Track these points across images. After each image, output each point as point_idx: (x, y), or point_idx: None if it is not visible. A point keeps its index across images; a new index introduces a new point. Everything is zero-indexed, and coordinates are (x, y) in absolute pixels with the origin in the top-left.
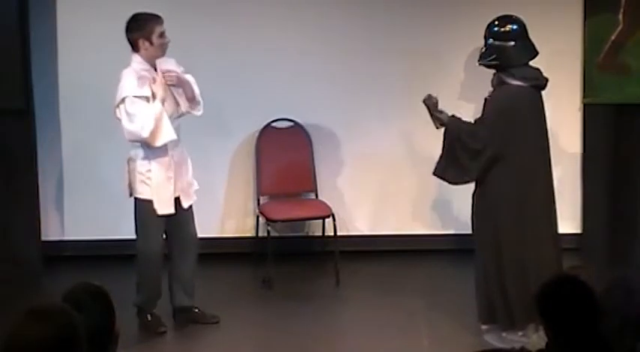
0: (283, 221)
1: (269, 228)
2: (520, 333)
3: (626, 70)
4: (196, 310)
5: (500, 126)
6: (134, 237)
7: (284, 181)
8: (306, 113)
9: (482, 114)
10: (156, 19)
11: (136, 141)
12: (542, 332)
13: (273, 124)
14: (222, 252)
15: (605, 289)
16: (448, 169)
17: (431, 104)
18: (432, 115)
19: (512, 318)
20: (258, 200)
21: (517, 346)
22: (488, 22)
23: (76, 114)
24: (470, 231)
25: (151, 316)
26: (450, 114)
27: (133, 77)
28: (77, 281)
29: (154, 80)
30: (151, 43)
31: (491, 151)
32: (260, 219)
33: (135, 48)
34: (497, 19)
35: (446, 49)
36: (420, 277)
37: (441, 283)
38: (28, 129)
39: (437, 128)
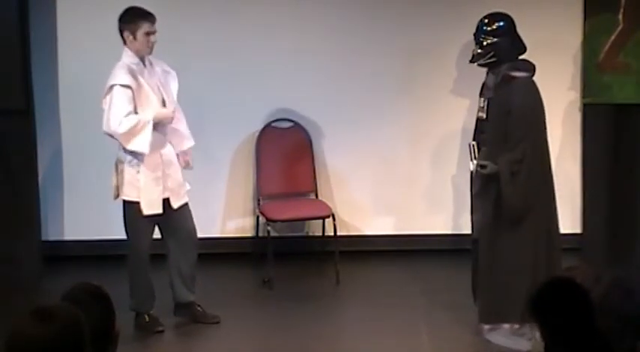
0: (283, 221)
1: (269, 228)
2: (528, 325)
3: (626, 70)
4: (199, 307)
5: (532, 122)
6: None
7: (284, 181)
8: (306, 113)
9: (489, 114)
10: (146, 15)
11: (110, 134)
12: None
13: (273, 124)
14: (222, 252)
15: (604, 289)
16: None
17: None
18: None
19: (523, 311)
20: (258, 200)
21: (524, 346)
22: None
23: (76, 114)
24: (469, 231)
25: (149, 317)
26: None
27: (124, 69)
28: (77, 281)
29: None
30: (135, 38)
31: (530, 149)
32: (260, 219)
33: (123, 40)
34: (486, 17)
35: (447, 48)
36: (420, 277)
37: (441, 283)
38: (28, 129)
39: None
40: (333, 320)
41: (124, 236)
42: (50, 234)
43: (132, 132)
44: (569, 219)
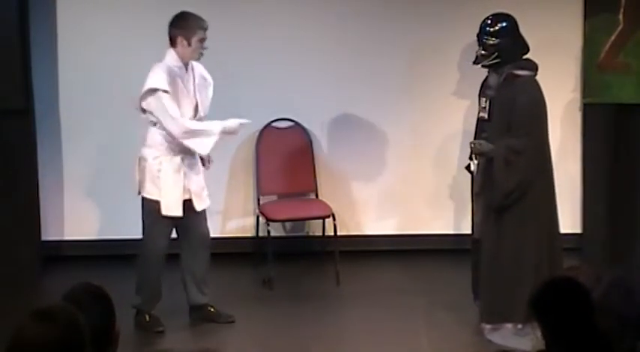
0: (283, 221)
1: (269, 228)
2: (535, 323)
3: (626, 70)
4: (211, 309)
5: (535, 120)
6: (134, 236)
7: (284, 181)
8: (306, 113)
9: (492, 114)
10: (201, 22)
11: (175, 133)
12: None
13: (273, 124)
14: (222, 252)
15: (604, 289)
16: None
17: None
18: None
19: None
20: (258, 200)
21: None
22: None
23: (76, 114)
24: (469, 231)
25: (150, 317)
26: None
27: (164, 72)
28: (77, 281)
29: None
30: (189, 44)
31: (532, 149)
32: (260, 219)
33: (172, 43)
34: (488, 18)
35: (448, 47)
36: (420, 277)
37: (441, 283)
38: (28, 129)
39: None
40: (333, 320)
41: (124, 235)
42: (50, 234)
43: (195, 133)
44: (569, 219)
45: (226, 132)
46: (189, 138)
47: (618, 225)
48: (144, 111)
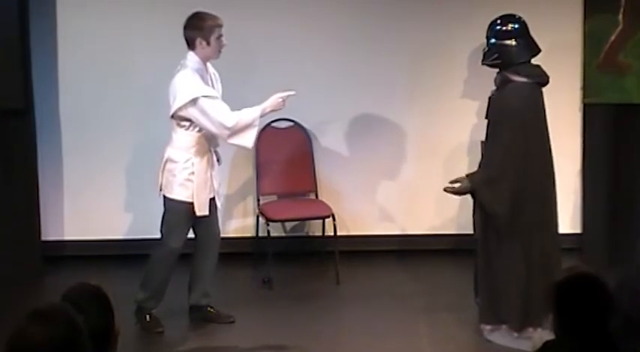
0: (283, 221)
1: (269, 228)
2: (530, 329)
3: (626, 70)
4: (211, 309)
5: (516, 126)
6: (134, 237)
7: (284, 181)
8: (306, 113)
9: (488, 114)
10: (216, 20)
11: (223, 130)
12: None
13: (273, 124)
14: (222, 252)
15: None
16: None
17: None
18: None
19: (526, 314)
20: (258, 200)
21: (526, 346)
22: (490, 22)
23: (76, 114)
24: (470, 231)
25: (150, 317)
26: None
27: (194, 76)
28: (77, 281)
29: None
30: (208, 43)
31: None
32: (260, 219)
33: (191, 46)
34: (499, 18)
35: (449, 48)
36: (420, 277)
37: (441, 283)
38: (28, 129)
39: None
40: (333, 320)
41: (124, 235)
42: (50, 234)
43: (238, 128)
44: (569, 219)
45: (268, 113)
46: (234, 135)
47: (618, 226)
48: (172, 115)
